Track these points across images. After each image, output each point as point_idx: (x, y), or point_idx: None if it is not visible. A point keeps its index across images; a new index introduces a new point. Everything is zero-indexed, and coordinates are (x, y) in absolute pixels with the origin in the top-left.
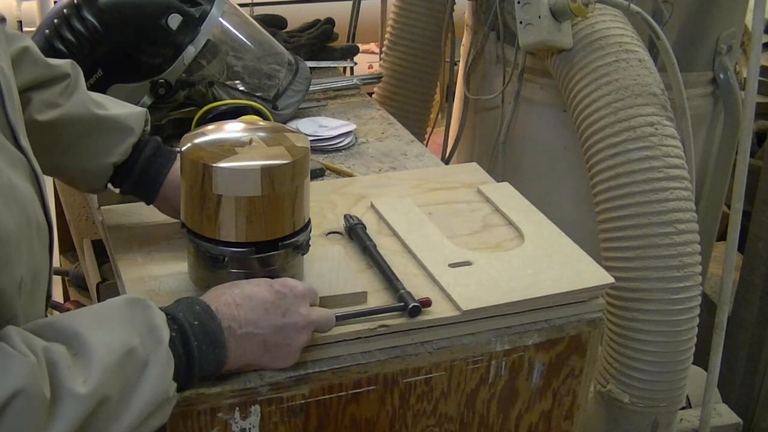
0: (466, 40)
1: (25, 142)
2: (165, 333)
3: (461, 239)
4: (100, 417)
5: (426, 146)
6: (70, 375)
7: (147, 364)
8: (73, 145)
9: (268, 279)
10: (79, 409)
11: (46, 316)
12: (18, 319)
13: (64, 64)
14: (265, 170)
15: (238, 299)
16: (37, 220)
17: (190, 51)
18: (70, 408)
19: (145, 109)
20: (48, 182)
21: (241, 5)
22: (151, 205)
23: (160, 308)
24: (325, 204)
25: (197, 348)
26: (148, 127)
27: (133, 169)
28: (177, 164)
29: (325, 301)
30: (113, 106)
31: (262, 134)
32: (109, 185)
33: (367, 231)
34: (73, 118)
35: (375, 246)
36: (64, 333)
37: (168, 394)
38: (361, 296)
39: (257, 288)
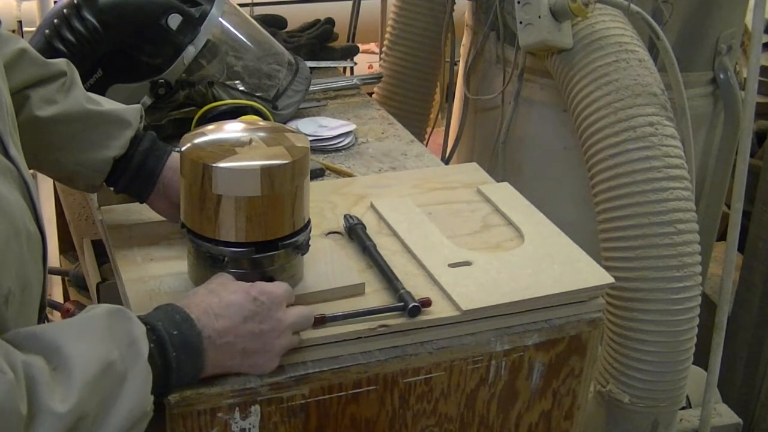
0: (466, 40)
1: (14, 151)
2: (144, 347)
3: (461, 239)
4: None
5: (426, 146)
6: (48, 392)
7: (125, 378)
8: (73, 140)
9: (245, 284)
10: (56, 428)
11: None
12: (6, 330)
13: (59, 62)
14: (265, 170)
15: (216, 309)
16: (27, 231)
17: (190, 51)
18: (47, 426)
19: (140, 105)
20: (47, 187)
21: (241, 5)
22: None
23: (139, 317)
24: (325, 204)
25: (175, 359)
26: (143, 123)
27: (131, 162)
28: (173, 158)
29: (324, 295)
30: (108, 104)
31: (262, 134)
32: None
33: (367, 231)
34: (71, 114)
35: (375, 246)
36: (44, 345)
37: (145, 409)
38: (360, 287)
39: (235, 296)
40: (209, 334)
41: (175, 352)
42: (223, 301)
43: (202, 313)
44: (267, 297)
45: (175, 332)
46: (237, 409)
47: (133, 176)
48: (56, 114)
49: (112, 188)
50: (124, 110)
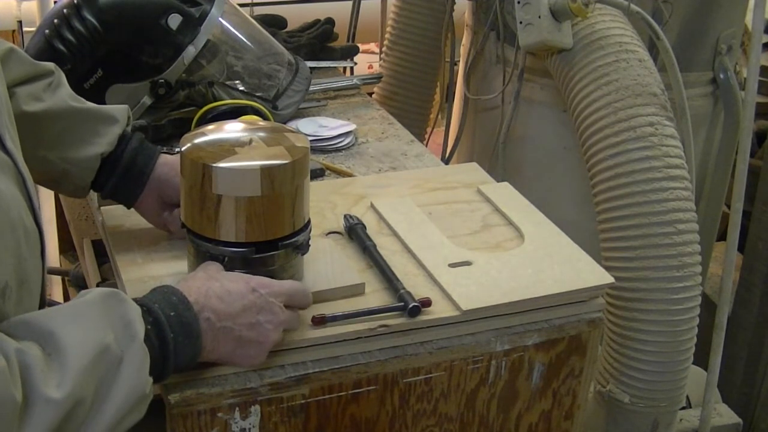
0: (466, 40)
1: (11, 144)
2: (140, 328)
3: (461, 239)
4: (74, 419)
5: (426, 146)
6: (43, 379)
7: (121, 361)
8: (59, 137)
9: (243, 275)
10: (53, 414)
11: None
12: None
13: (47, 63)
14: (265, 170)
15: (218, 292)
16: (24, 225)
17: (190, 51)
18: (43, 413)
19: (127, 105)
20: None
21: (241, 5)
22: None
23: (135, 299)
24: (325, 204)
25: (173, 340)
26: (130, 126)
27: (120, 160)
28: (164, 156)
29: (324, 295)
30: (95, 104)
31: (262, 134)
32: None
33: (367, 231)
34: (58, 111)
35: (375, 246)
36: (38, 331)
37: (144, 391)
38: (360, 287)
39: (235, 284)
40: (208, 315)
41: (173, 333)
42: (224, 286)
43: (202, 296)
44: (266, 290)
45: (172, 313)
46: (237, 409)
47: (122, 175)
48: (43, 110)
49: (99, 192)
50: (110, 108)
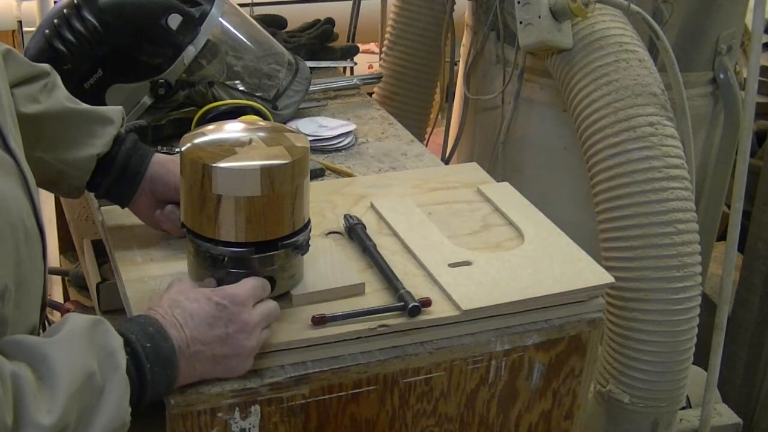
0: (466, 40)
1: (14, 144)
2: (122, 359)
3: (461, 239)
4: None
5: (426, 146)
6: (35, 404)
7: (103, 390)
8: (56, 139)
9: (206, 290)
10: None
11: (42, 324)
12: (5, 327)
13: (43, 65)
14: (265, 170)
15: (180, 320)
16: (25, 227)
17: (190, 51)
18: None
19: (121, 107)
20: None
21: (241, 5)
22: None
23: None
24: (325, 204)
25: (150, 371)
26: (124, 127)
27: (115, 161)
28: (158, 155)
29: (324, 295)
30: (90, 106)
31: (262, 134)
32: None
33: (367, 231)
34: (54, 113)
35: (375, 246)
36: (31, 354)
37: (124, 420)
38: (360, 287)
39: (196, 304)
40: (178, 345)
41: (150, 365)
42: (186, 311)
43: (170, 326)
44: (229, 300)
45: (148, 344)
46: (237, 409)
47: (117, 177)
48: (39, 112)
49: (93, 192)
50: (105, 109)
